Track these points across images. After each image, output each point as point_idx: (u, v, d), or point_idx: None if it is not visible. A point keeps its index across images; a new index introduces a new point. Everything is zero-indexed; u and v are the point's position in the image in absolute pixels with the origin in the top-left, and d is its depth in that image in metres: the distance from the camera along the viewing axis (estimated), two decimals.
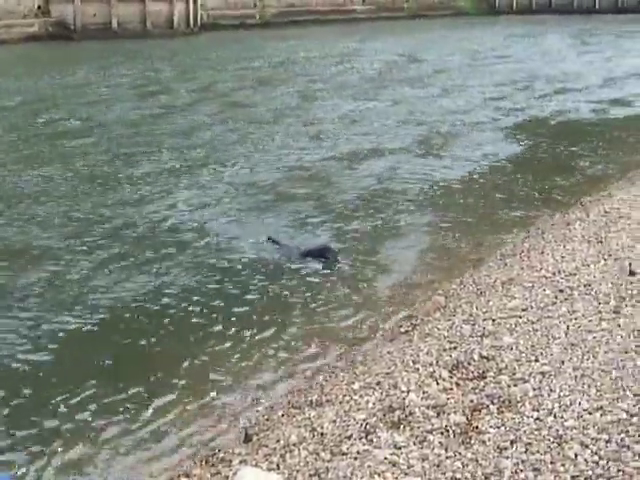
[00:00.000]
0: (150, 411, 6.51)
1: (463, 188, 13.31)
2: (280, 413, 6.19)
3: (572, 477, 4.58)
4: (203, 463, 5.63)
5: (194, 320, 8.22)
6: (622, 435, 4.92)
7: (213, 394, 6.74)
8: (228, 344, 7.63)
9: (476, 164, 14.86)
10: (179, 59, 33.23)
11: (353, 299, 8.72)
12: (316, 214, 11.80)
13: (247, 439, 5.78)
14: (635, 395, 5.39)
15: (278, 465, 5.19)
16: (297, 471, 5.06)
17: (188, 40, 42.14)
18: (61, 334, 7.93)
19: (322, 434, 5.49)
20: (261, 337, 7.77)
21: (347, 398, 6.03)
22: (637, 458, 4.67)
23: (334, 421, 5.65)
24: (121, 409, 6.54)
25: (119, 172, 14.35)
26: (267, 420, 6.14)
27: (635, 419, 5.08)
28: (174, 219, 11.55)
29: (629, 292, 7.38)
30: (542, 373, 5.89)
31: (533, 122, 19.34)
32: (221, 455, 5.68)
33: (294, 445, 5.41)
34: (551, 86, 24.96)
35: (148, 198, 12.65)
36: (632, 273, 7.83)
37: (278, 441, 5.55)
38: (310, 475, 4.99)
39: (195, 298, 8.71)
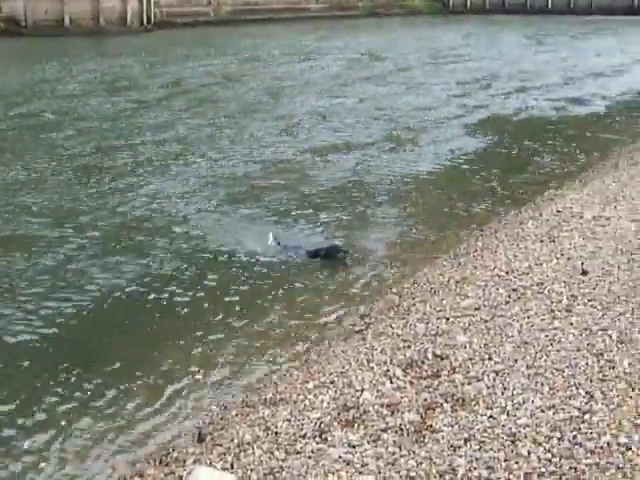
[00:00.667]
0: (102, 409, 6.45)
1: (428, 183, 13.58)
2: (234, 412, 6.16)
3: (525, 474, 4.63)
4: (157, 463, 5.59)
5: (154, 317, 8.20)
6: (574, 432, 4.98)
7: (166, 393, 6.69)
8: (182, 342, 7.58)
9: (441, 159, 15.17)
10: (142, 56, 33.08)
11: (312, 296, 8.72)
12: (289, 205, 12.00)
13: (201, 438, 5.74)
14: (587, 393, 5.45)
15: (232, 464, 5.17)
16: (251, 470, 5.04)
17: (143, 37, 41.91)
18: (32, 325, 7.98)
19: (276, 433, 5.48)
20: (215, 335, 7.73)
21: (301, 397, 6.02)
22: (589, 455, 4.73)
23: (288, 420, 5.64)
24: (71, 405, 6.49)
25: (99, 164, 14.49)
26: (221, 419, 6.12)
27: (587, 416, 5.14)
28: (155, 210, 11.69)
29: (581, 291, 7.46)
30: (495, 372, 5.93)
31: (495, 119, 19.67)
32: (175, 455, 5.63)
33: (248, 444, 5.39)
34: (511, 85, 25.31)
35: (129, 189, 12.75)
36: (584, 272, 7.91)
37: (232, 440, 5.52)
38: (264, 474, 4.97)
39: (161, 296, 8.71)
